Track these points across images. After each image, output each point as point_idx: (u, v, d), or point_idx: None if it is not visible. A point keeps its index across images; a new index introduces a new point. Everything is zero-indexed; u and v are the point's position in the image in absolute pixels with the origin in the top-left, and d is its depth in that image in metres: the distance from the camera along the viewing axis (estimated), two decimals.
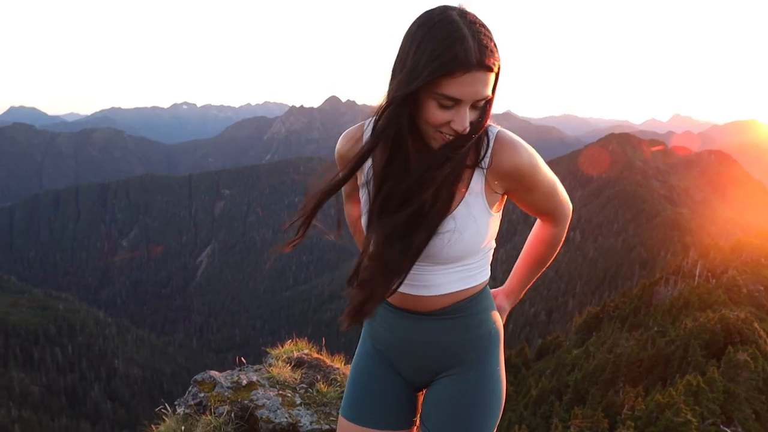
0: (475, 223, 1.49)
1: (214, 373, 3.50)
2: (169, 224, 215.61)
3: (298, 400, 3.35)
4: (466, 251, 1.52)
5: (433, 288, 1.57)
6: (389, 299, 1.63)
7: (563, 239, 1.72)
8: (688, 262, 57.25)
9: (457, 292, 1.58)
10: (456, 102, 1.29)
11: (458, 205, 1.47)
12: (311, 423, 3.17)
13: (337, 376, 3.62)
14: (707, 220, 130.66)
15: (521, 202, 1.60)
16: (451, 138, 1.36)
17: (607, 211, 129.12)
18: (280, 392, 3.38)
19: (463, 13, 1.29)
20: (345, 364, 3.79)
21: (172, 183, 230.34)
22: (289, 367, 3.66)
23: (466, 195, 1.48)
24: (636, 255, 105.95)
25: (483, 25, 1.29)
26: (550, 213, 1.64)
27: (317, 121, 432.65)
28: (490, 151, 1.47)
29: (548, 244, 1.72)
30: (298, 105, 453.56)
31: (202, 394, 3.37)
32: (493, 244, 1.66)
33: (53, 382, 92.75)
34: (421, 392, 1.76)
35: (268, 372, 3.57)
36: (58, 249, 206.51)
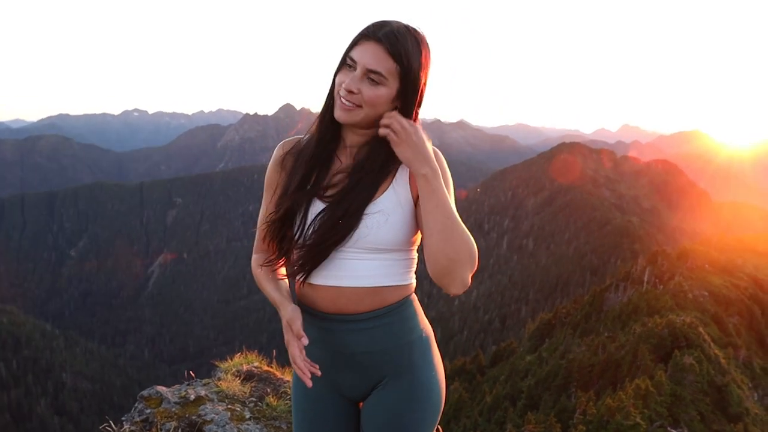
0: (401, 210, 1.57)
1: (161, 389, 3.43)
2: (120, 233, 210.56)
3: (248, 414, 3.31)
4: (393, 238, 1.57)
5: (358, 279, 1.60)
6: (317, 305, 1.67)
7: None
8: (636, 268, 58.72)
9: (383, 288, 1.62)
10: (353, 65, 1.49)
11: (385, 191, 1.58)
12: None
13: (288, 389, 3.59)
14: (655, 228, 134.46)
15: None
16: (346, 103, 1.52)
17: (559, 219, 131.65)
18: (229, 407, 3.33)
19: (400, 23, 1.52)
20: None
21: (123, 191, 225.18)
22: (239, 381, 3.61)
23: (393, 182, 1.59)
24: (587, 262, 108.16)
25: (410, 30, 1.50)
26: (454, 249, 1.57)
27: (272, 129, 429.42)
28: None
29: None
30: (252, 113, 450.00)
31: (148, 410, 3.30)
32: (416, 254, 1.67)
33: None
34: (360, 404, 1.80)
35: (217, 386, 3.51)
36: (2, 259, 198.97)
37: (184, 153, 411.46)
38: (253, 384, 3.63)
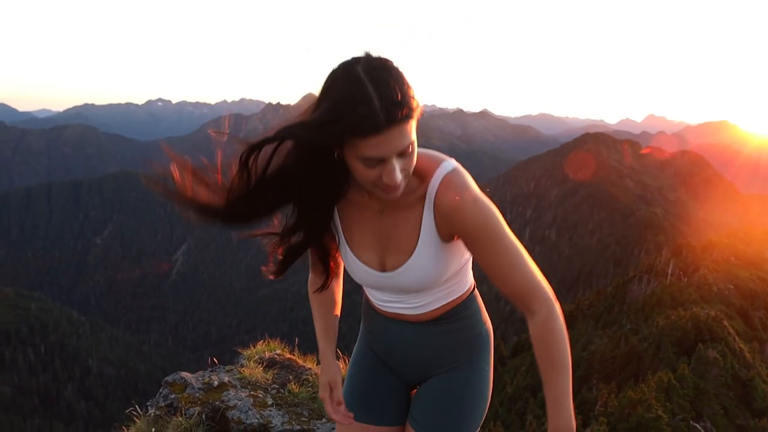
0: (433, 258, 1.50)
1: (186, 375, 3.50)
2: (144, 222, 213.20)
3: (270, 401, 3.36)
4: (431, 282, 1.54)
5: (416, 308, 1.62)
6: (382, 311, 1.71)
7: (560, 333, 1.49)
8: (660, 260, 58.11)
9: (443, 306, 1.63)
10: (380, 160, 1.27)
11: (415, 245, 1.49)
12: (282, 424, 3.19)
13: (309, 377, 3.64)
14: (680, 220, 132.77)
15: (477, 258, 1.48)
16: (389, 189, 1.34)
17: (582, 210, 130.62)
18: (252, 393, 3.39)
19: (368, 65, 1.25)
20: (317, 365, 3.81)
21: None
22: (261, 368, 3.66)
23: (422, 235, 1.48)
24: (610, 253, 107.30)
25: (389, 71, 1.25)
26: (518, 290, 1.46)
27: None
28: (432, 191, 1.44)
29: (542, 340, 1.49)
30: (274, 102, 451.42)
31: (173, 396, 3.37)
32: (466, 257, 1.63)
33: (25, 383, 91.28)
34: (414, 389, 1.81)
35: (240, 373, 3.58)
36: (29, 247, 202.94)
37: (207, 142, 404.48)
38: (275, 371, 3.69)
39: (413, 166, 1.35)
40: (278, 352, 3.93)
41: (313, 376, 3.64)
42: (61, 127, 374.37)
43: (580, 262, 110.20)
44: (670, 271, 53.58)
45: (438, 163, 1.45)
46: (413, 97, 1.26)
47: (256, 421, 3.17)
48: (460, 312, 1.66)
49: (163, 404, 3.37)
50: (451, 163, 1.46)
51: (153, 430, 3.25)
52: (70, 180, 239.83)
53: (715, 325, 38.15)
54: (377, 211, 1.51)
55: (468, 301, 1.68)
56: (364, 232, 1.54)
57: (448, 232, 1.47)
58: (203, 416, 3.17)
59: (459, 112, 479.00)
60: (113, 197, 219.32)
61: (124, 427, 3.61)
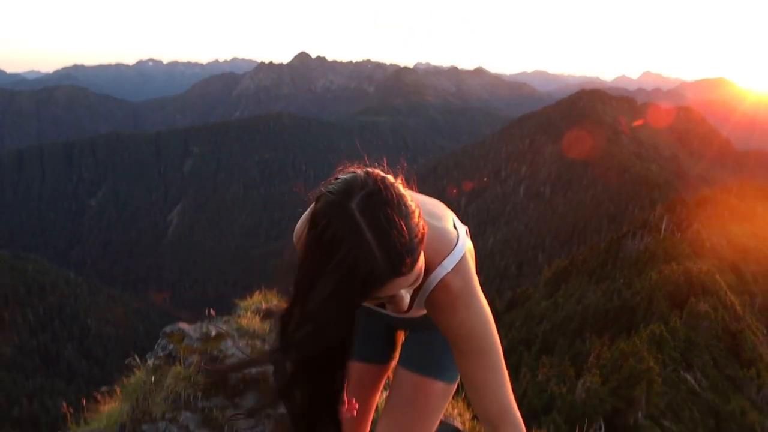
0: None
1: (183, 325, 3.55)
2: (138, 183, 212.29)
3: (267, 350, 3.42)
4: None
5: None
6: None
7: None
8: (654, 216, 58.41)
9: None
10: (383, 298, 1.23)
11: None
12: None
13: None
14: (675, 176, 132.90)
15: (458, 364, 1.43)
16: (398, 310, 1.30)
17: (576, 166, 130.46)
18: (249, 342, 3.45)
19: (365, 202, 1.12)
20: None
21: (140, 141, 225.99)
22: (258, 318, 3.71)
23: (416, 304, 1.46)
24: (604, 209, 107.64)
25: (389, 205, 1.13)
26: (492, 411, 1.39)
27: (287, 77, 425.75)
28: (429, 286, 1.37)
29: None
30: (266, 61, 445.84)
31: (171, 346, 3.42)
32: None
33: (25, 343, 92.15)
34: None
35: (237, 323, 3.63)
36: (23, 209, 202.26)
37: (200, 102, 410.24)
38: (272, 321, 3.74)
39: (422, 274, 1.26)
40: (275, 302, 3.98)
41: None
42: (51, 88, 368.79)
43: (575, 218, 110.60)
44: (663, 227, 53.90)
45: (444, 253, 1.36)
46: (418, 232, 1.16)
47: (254, 369, 3.22)
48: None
49: (161, 354, 3.42)
50: (455, 255, 1.37)
51: (152, 379, 3.31)
52: (62, 141, 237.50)
53: (707, 279, 38.63)
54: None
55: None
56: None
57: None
58: (202, 365, 3.23)
59: (454, 70, 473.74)
60: (106, 158, 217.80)
61: (123, 378, 3.67)
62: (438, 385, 1.68)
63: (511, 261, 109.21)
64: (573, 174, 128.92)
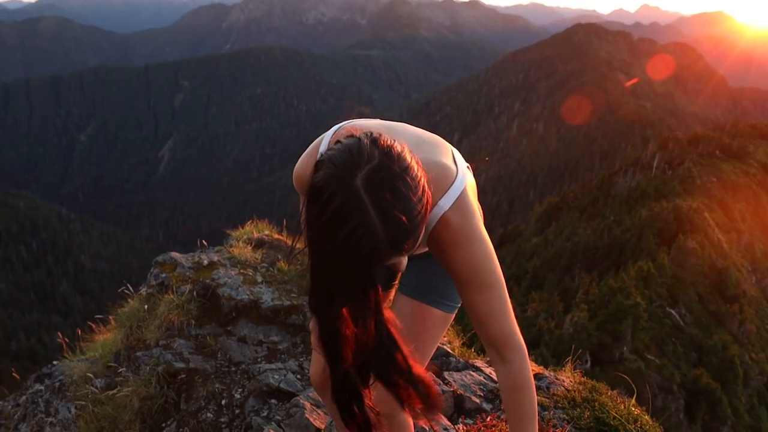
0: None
1: (175, 255, 3.58)
2: (128, 117, 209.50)
3: (260, 279, 3.46)
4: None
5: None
6: None
7: (531, 385, 1.46)
8: (647, 154, 58.40)
9: None
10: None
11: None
12: (272, 300, 3.30)
13: (298, 255, 3.72)
14: (668, 114, 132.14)
15: (462, 297, 1.46)
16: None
17: (570, 102, 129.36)
18: (242, 271, 3.48)
19: (370, 178, 1.08)
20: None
21: (129, 74, 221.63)
22: (250, 248, 3.74)
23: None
24: (597, 147, 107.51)
25: (395, 181, 1.10)
26: (497, 338, 1.44)
27: (278, 9, 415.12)
28: (431, 228, 1.37)
29: (513, 390, 1.46)
30: None
31: (163, 275, 3.46)
32: None
33: (20, 279, 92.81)
34: None
35: (229, 252, 3.66)
36: (12, 146, 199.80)
37: (189, 34, 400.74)
38: (264, 251, 3.77)
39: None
40: (266, 232, 4.00)
41: (302, 255, 3.70)
42: (35, 19, 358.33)
43: (567, 155, 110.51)
44: (655, 164, 53.97)
45: (444, 188, 1.36)
46: (422, 206, 1.14)
47: (246, 297, 3.27)
48: None
49: (154, 283, 3.46)
50: (454, 192, 1.38)
51: (145, 307, 3.36)
52: (49, 75, 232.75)
53: (695, 217, 38.97)
54: None
55: None
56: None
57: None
58: (194, 293, 3.27)
59: (448, 2, 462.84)
60: (95, 92, 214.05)
61: (117, 307, 3.72)
62: (436, 313, 1.68)
63: (503, 197, 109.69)
64: (566, 110, 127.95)
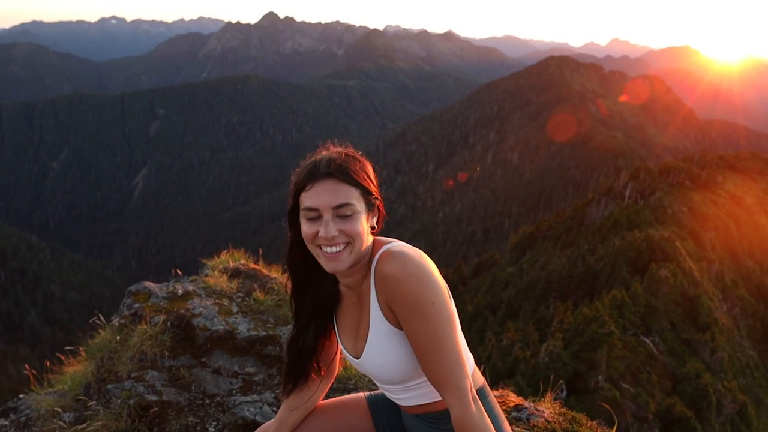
0: (384, 344, 1.54)
1: (149, 284, 3.51)
2: (102, 145, 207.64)
3: (235, 309, 3.41)
4: (393, 373, 1.58)
5: (399, 400, 1.68)
6: None
7: (474, 427, 1.44)
8: (619, 183, 59.33)
9: (424, 404, 1.64)
10: (316, 212, 1.41)
11: (368, 330, 1.55)
12: (248, 330, 3.25)
13: (274, 285, 3.68)
14: (639, 144, 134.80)
15: (407, 336, 1.48)
16: (330, 251, 1.43)
17: (544, 133, 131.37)
18: (217, 301, 3.43)
19: (332, 147, 1.51)
20: (282, 274, 3.85)
21: (104, 102, 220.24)
22: (226, 277, 3.69)
23: (371, 317, 1.54)
24: (570, 177, 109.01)
25: (346, 152, 1.48)
26: (436, 380, 1.46)
27: (254, 38, 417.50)
28: (374, 263, 1.50)
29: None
30: (234, 21, 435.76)
31: (137, 305, 3.38)
32: None
33: None
34: None
35: (204, 282, 3.60)
36: None
37: (165, 63, 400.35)
38: (240, 280, 3.72)
39: (359, 237, 1.44)
40: (242, 262, 3.95)
41: (278, 285, 3.68)
42: (9, 45, 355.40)
43: (541, 184, 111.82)
44: (627, 194, 54.81)
45: (386, 242, 1.54)
46: (360, 176, 1.45)
47: (222, 327, 3.22)
48: (448, 416, 1.55)
49: (127, 313, 3.38)
50: (401, 243, 1.54)
51: (117, 338, 3.27)
52: (22, 101, 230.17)
53: (667, 246, 39.51)
54: (354, 302, 1.61)
55: None
56: (347, 321, 1.64)
57: (389, 312, 1.50)
58: (168, 324, 3.21)
59: (423, 33, 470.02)
60: (68, 119, 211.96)
61: (88, 339, 3.63)
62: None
63: (477, 227, 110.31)
64: (540, 141, 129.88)
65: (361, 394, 1.91)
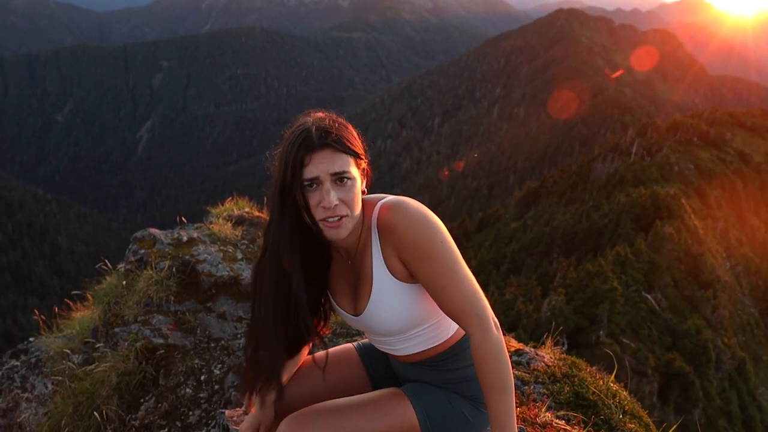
0: (390, 298, 1.57)
1: (154, 231, 3.53)
2: (106, 98, 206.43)
3: (240, 255, 3.43)
4: (398, 324, 1.61)
5: (397, 351, 1.70)
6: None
7: (497, 356, 1.48)
8: (625, 140, 58.88)
9: (424, 351, 1.68)
10: (316, 181, 1.43)
11: (371, 286, 1.58)
12: None
13: None
14: (648, 100, 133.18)
15: (419, 277, 1.53)
16: (332, 220, 1.45)
17: (551, 88, 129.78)
18: (221, 248, 3.45)
19: (313, 114, 1.51)
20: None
21: (107, 54, 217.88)
22: (230, 225, 3.70)
23: (374, 274, 1.57)
24: (576, 132, 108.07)
25: (332, 119, 1.49)
26: (455, 312, 1.51)
27: None
28: (375, 218, 1.55)
29: (478, 362, 1.50)
30: None
31: (142, 251, 3.41)
32: (439, 315, 1.64)
33: None
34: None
35: (209, 229, 3.61)
36: None
37: (168, 14, 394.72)
38: (244, 228, 3.74)
39: (356, 205, 1.48)
40: (246, 210, 3.96)
41: None
42: None
43: (547, 140, 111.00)
44: (634, 151, 54.45)
45: (378, 199, 1.58)
46: (352, 143, 1.47)
47: (226, 273, 3.25)
48: (448, 356, 1.68)
49: (133, 259, 3.42)
50: (391, 195, 1.59)
51: (124, 283, 3.32)
52: (24, 53, 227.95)
53: (673, 203, 39.42)
54: (348, 263, 1.64)
55: (459, 345, 1.69)
56: (341, 281, 1.67)
57: (396, 262, 1.54)
58: (173, 269, 3.24)
59: None
60: (71, 72, 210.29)
61: (95, 284, 3.67)
62: (409, 410, 1.68)
63: (482, 182, 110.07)
64: (547, 96, 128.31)
65: (349, 345, 1.94)
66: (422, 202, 1.49)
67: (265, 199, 4.25)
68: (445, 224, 1.56)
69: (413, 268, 1.51)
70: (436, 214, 1.46)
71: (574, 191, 52.68)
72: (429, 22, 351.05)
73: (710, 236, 40.97)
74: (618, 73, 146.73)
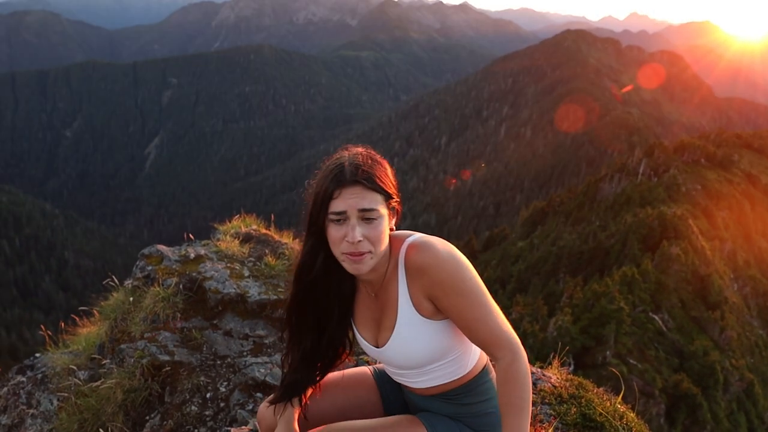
0: (413, 333, 1.62)
1: (162, 248, 3.54)
2: (115, 114, 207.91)
3: (246, 273, 3.44)
4: (418, 359, 1.66)
5: (414, 384, 1.75)
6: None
7: (522, 377, 1.53)
8: (633, 160, 58.80)
9: (440, 385, 1.72)
10: (343, 216, 1.47)
11: (395, 321, 1.63)
12: (259, 293, 3.28)
13: (285, 251, 3.70)
14: (655, 121, 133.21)
15: (448, 313, 1.58)
16: (354, 256, 1.50)
17: (558, 108, 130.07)
18: (228, 265, 3.46)
19: (352, 149, 1.57)
20: (293, 239, 3.87)
21: (117, 71, 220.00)
22: (237, 242, 3.71)
23: (399, 309, 1.62)
24: (584, 152, 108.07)
25: (368, 156, 1.54)
26: (485, 341, 1.56)
27: (268, 8, 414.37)
28: (402, 257, 1.60)
29: (503, 382, 1.54)
30: None
31: (149, 267, 3.42)
32: (463, 347, 1.69)
33: (2, 274, 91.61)
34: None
35: (216, 246, 3.63)
36: None
37: (178, 31, 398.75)
38: (251, 245, 3.75)
39: (381, 242, 1.53)
40: (254, 227, 3.97)
41: (289, 250, 3.70)
42: (21, 12, 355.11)
43: (554, 159, 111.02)
44: (641, 171, 54.35)
45: (405, 236, 1.63)
46: (384, 182, 1.52)
47: (233, 291, 3.25)
48: (463, 391, 1.72)
49: (140, 275, 3.43)
50: (417, 233, 1.63)
51: (131, 299, 3.33)
52: (36, 69, 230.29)
53: (680, 224, 39.27)
54: (372, 296, 1.69)
55: (475, 381, 1.73)
56: (365, 313, 1.72)
57: (423, 300, 1.59)
58: (180, 286, 3.25)
59: (438, 4, 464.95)
60: (81, 88, 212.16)
61: (101, 300, 3.68)
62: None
63: (489, 201, 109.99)
64: (554, 116, 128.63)
65: (365, 368, 1.98)
66: (429, 221, 1.60)
67: (273, 218, 4.29)
68: (451, 243, 1.61)
69: (444, 304, 1.55)
70: (443, 233, 1.58)
71: (581, 211, 52.58)
72: (437, 41, 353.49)
73: (717, 257, 40.74)
74: (627, 89, 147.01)
